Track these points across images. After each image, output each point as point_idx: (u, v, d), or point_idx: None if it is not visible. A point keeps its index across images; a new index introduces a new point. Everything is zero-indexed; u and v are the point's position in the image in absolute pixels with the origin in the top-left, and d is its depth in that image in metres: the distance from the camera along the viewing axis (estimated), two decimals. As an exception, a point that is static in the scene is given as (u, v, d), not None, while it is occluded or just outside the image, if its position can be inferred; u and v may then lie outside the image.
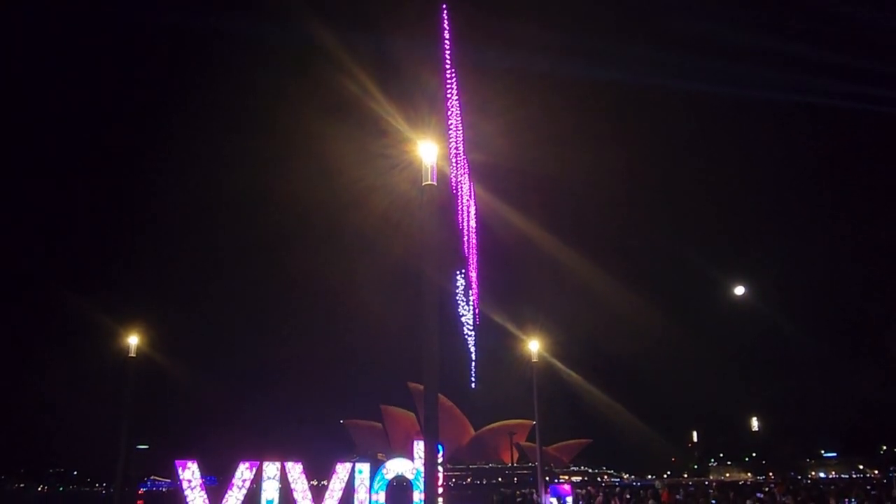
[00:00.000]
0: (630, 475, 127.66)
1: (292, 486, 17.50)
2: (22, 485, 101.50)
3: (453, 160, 25.09)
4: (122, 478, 24.41)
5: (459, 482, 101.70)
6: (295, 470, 17.66)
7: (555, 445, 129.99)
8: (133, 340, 23.82)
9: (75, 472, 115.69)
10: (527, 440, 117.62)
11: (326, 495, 17.82)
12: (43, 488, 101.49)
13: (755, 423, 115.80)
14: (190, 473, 17.20)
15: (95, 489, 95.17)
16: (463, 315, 33.69)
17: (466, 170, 31.80)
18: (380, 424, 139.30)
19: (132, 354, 23.72)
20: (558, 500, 28.84)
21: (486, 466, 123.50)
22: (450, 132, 24.12)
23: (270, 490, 17.36)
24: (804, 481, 61.16)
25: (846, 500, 19.78)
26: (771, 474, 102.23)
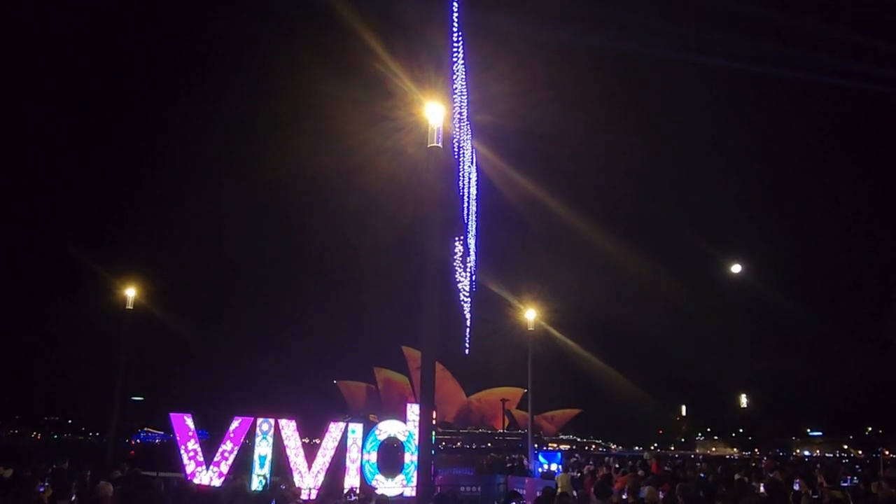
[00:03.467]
0: (618, 446, 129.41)
1: (285, 442, 17.63)
2: (16, 431, 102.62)
3: (457, 124, 24.81)
4: (116, 428, 24.63)
5: (449, 446, 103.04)
6: (288, 427, 17.77)
7: (545, 414, 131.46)
8: (130, 293, 23.82)
9: (70, 421, 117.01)
10: (517, 408, 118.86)
11: (319, 453, 17.96)
12: (37, 436, 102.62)
13: (744, 400, 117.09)
14: (184, 426, 17.33)
15: (90, 438, 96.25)
16: (460, 281, 33.70)
17: (470, 134, 31.49)
18: (373, 386, 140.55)
19: (129, 307, 23.75)
20: (548, 463, 29.17)
21: (477, 431, 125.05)
22: (454, 96, 23.81)
23: (263, 446, 17.50)
24: (790, 458, 62.03)
25: (848, 477, 19.95)
26: (757, 450, 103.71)
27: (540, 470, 28.56)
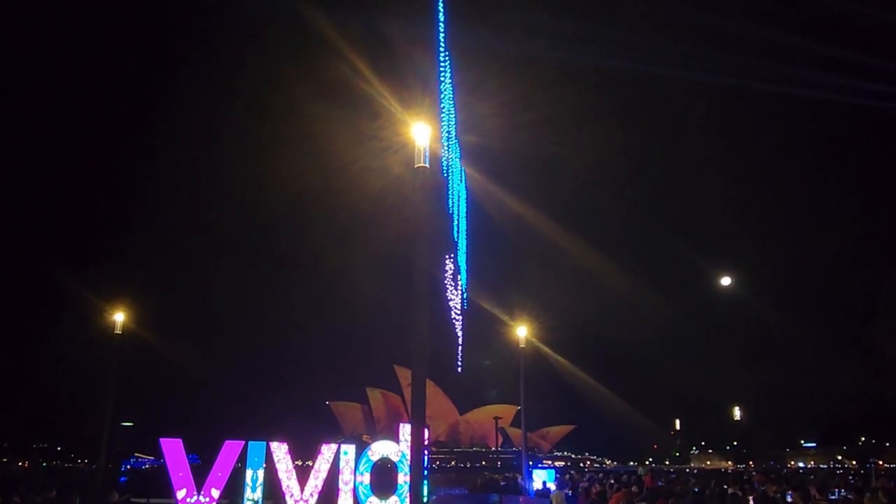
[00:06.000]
0: (612, 461, 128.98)
1: (277, 465, 17.48)
2: (5, 459, 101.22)
3: (445, 143, 24.98)
4: (106, 455, 24.34)
5: (443, 465, 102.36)
6: (280, 450, 17.63)
7: (539, 431, 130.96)
8: (119, 317, 23.68)
9: (59, 448, 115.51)
10: (511, 425, 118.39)
11: (311, 475, 17.81)
12: (24, 463, 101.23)
13: (737, 413, 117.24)
14: (174, 451, 17.18)
15: (78, 465, 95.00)
16: (451, 299, 33.76)
17: (460, 153, 31.69)
18: (365, 406, 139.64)
19: (118, 331, 23.58)
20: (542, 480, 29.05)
21: (471, 450, 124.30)
22: (442, 115, 24.00)
23: (255, 469, 17.36)
24: (783, 470, 62.03)
25: (836, 490, 20.03)
26: (751, 463, 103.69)
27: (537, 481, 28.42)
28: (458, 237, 33.60)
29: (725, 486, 19.98)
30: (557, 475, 32.68)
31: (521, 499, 23.67)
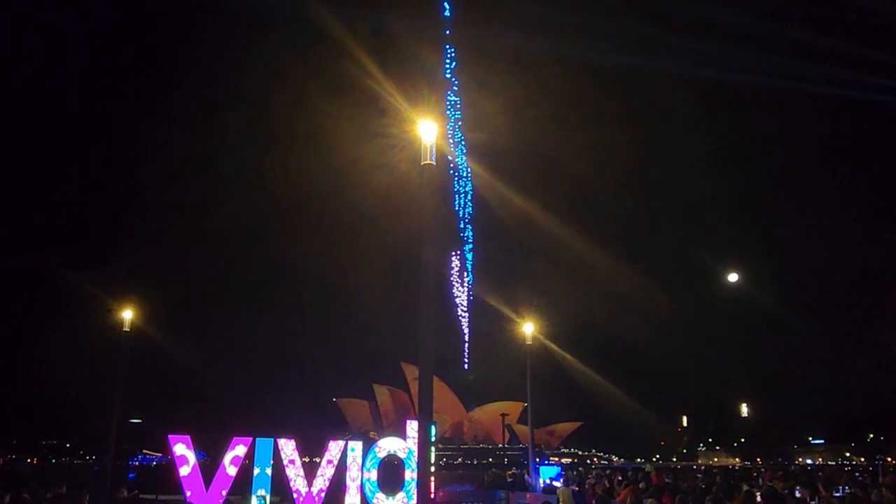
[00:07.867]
0: (619, 458, 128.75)
1: (285, 462, 17.58)
2: (14, 456, 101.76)
3: (452, 141, 25.02)
4: (114, 452, 24.49)
5: (450, 462, 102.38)
6: (288, 447, 17.72)
7: (546, 427, 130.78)
8: (127, 315, 23.81)
9: (68, 445, 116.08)
10: (517, 422, 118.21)
11: (319, 472, 17.90)
12: (32, 460, 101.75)
13: (745, 409, 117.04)
14: (183, 449, 17.27)
15: (87, 462, 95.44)
16: (457, 296, 33.84)
17: (466, 151, 31.73)
18: (372, 403, 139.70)
19: (126, 329, 23.72)
20: (549, 478, 29.07)
21: (478, 447, 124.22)
22: (449, 113, 24.02)
23: (263, 466, 17.44)
24: (791, 467, 61.93)
25: (841, 487, 19.99)
26: (759, 460, 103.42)
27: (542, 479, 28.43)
28: (464, 234, 33.64)
29: (732, 482, 19.92)
30: (562, 472, 32.73)
31: (527, 495, 23.68)
